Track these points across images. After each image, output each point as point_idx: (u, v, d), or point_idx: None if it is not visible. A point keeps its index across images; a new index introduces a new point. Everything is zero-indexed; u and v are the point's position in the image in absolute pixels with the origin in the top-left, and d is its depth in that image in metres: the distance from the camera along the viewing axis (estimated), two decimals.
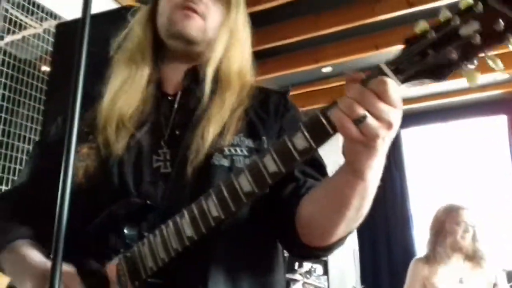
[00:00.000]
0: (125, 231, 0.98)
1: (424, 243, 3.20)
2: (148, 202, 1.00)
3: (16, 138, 2.59)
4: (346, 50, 4.12)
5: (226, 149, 1.03)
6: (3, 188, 2.46)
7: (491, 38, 0.69)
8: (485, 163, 5.42)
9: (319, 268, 4.88)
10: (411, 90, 4.96)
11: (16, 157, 2.55)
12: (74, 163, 0.96)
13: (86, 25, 0.91)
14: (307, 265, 4.52)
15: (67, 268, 0.91)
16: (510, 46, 0.69)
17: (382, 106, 0.71)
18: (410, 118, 5.45)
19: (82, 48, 0.90)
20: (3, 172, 2.47)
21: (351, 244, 5.57)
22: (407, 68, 0.74)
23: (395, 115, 0.72)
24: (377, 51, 4.05)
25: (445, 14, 0.73)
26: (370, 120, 0.71)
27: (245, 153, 1.04)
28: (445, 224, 3.01)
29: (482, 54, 0.70)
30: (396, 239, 5.53)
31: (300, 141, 0.80)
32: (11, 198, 1.19)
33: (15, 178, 2.51)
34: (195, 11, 1.09)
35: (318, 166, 1.06)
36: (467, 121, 5.59)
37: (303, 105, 4.87)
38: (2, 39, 2.69)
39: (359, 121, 0.72)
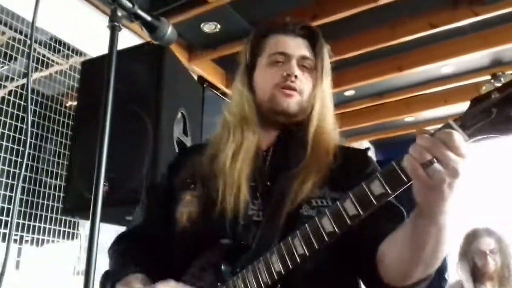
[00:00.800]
0: (222, 267, 1.10)
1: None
2: (242, 242, 1.13)
3: (44, 173, 2.63)
4: (368, 72, 4.10)
5: (313, 201, 1.15)
6: (31, 224, 2.48)
7: None
8: None
9: None
10: None
11: (44, 192, 2.59)
12: (180, 209, 1.23)
13: (112, 61, 0.95)
14: None
15: None
16: None
17: (448, 153, 0.80)
18: None
19: (110, 83, 0.93)
20: (31, 208, 2.49)
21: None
22: (473, 124, 0.83)
23: (460, 164, 0.80)
24: (400, 73, 4.01)
25: (508, 78, 0.84)
26: (437, 165, 0.80)
27: (330, 203, 1.14)
28: (470, 252, 2.93)
29: None
30: None
31: (377, 187, 0.90)
32: (130, 237, 1.36)
33: (43, 213, 2.54)
34: (294, 89, 1.25)
35: (396, 211, 1.14)
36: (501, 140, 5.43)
37: None
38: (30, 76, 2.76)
39: (426, 165, 0.81)
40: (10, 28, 2.68)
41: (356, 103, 4.77)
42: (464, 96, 4.41)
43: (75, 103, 2.84)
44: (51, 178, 2.64)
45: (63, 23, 2.78)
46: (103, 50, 1.00)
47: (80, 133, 2.46)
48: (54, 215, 2.59)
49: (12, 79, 2.68)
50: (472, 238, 2.99)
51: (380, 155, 5.72)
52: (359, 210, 0.92)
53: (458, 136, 0.81)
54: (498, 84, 0.84)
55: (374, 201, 0.90)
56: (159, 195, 1.35)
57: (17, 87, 2.64)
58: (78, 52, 2.99)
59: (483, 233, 2.97)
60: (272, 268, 1.02)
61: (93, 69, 2.47)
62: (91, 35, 2.92)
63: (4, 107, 2.45)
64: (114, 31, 0.99)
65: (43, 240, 2.54)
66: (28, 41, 2.63)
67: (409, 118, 5.23)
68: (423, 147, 0.82)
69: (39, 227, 2.52)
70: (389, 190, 0.89)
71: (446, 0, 3.18)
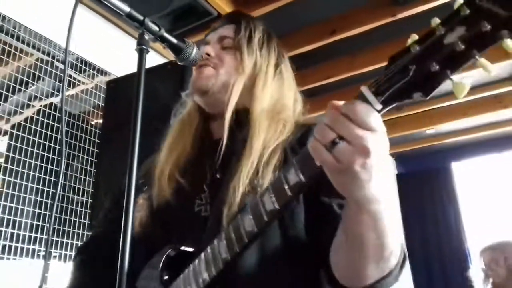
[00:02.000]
0: (164, 277, 1.03)
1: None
2: (182, 248, 1.05)
3: (71, 191, 2.70)
4: None
5: (259, 189, 1.02)
6: (59, 240, 2.54)
7: (478, 42, 0.63)
8: None
9: None
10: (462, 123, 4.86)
11: (72, 209, 2.65)
12: (134, 214, 1.08)
13: (141, 84, 0.98)
14: None
15: None
16: (504, 45, 0.62)
17: (354, 129, 0.67)
18: (462, 150, 5.30)
19: (138, 104, 0.96)
20: (59, 224, 2.56)
21: (407, 284, 5.34)
22: (388, 88, 0.69)
23: (370, 139, 0.68)
24: None
25: (434, 23, 0.68)
26: (342, 144, 0.68)
27: None
28: (489, 265, 2.92)
29: (470, 61, 0.64)
30: (453, 276, 5.26)
31: (292, 176, 0.77)
32: (87, 249, 1.32)
33: (71, 229, 2.61)
34: (206, 65, 1.21)
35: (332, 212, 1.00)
36: None
37: None
38: (56, 96, 2.85)
39: (331, 146, 0.69)
40: (38, 50, 2.78)
41: None
42: (485, 108, 4.37)
43: (100, 121, 2.92)
44: (78, 195, 2.70)
45: (89, 44, 2.87)
46: (127, 69, 1.04)
47: (105, 151, 2.52)
48: (81, 231, 2.65)
49: (40, 98, 2.77)
50: (481, 257, 3.05)
51: (401, 168, 5.66)
52: (275, 204, 0.81)
53: (362, 107, 0.68)
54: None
55: (289, 192, 0.79)
56: (119, 201, 1.29)
57: (44, 106, 2.73)
58: (102, 72, 3.08)
59: (499, 247, 2.98)
60: (201, 275, 0.95)
61: (118, 88, 2.54)
62: (115, 55, 3.00)
63: (33, 127, 2.54)
64: (142, 54, 1.03)
65: (70, 255, 2.60)
66: (56, 63, 2.72)
67: (430, 130, 5.19)
68: (325, 125, 0.70)
69: (67, 243, 2.58)
70: (303, 179, 0.77)
71: None
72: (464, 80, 0.67)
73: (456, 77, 0.67)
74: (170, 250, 1.05)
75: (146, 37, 1.04)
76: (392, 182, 0.78)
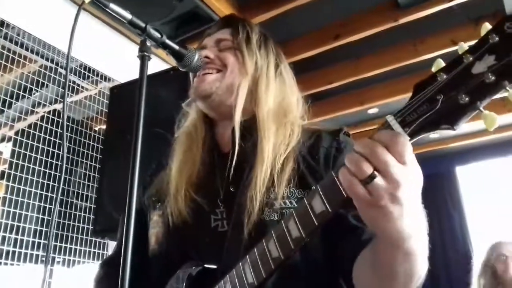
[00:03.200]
0: None
1: None
2: (205, 266, 1.02)
3: (75, 196, 2.70)
4: (391, 90, 4.09)
5: (276, 203, 1.02)
6: (63, 245, 2.55)
7: (509, 72, 0.59)
8: None
9: None
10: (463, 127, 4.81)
11: (75, 215, 2.65)
12: (150, 230, 1.14)
13: (143, 90, 0.99)
14: None
15: None
16: None
17: (393, 164, 0.65)
18: (466, 155, 5.27)
19: (140, 110, 0.96)
20: (63, 230, 2.56)
21: None
22: (415, 120, 0.66)
23: (407, 174, 0.66)
24: None
25: (461, 50, 0.64)
26: (379, 180, 0.65)
27: (295, 205, 1.02)
28: (491, 259, 2.91)
29: (500, 92, 0.61)
30: (458, 281, 5.21)
31: (318, 205, 0.74)
32: (110, 263, 1.30)
33: (74, 235, 2.61)
34: (209, 73, 1.18)
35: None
36: None
37: None
38: (59, 103, 2.86)
39: (366, 181, 0.65)
40: (42, 57, 2.79)
41: (380, 121, 4.74)
42: (489, 110, 4.34)
43: (103, 126, 2.93)
44: (82, 200, 2.71)
45: (92, 51, 2.88)
46: (130, 75, 1.03)
47: (109, 156, 2.53)
48: (84, 237, 2.65)
49: (44, 105, 2.79)
50: (494, 247, 2.99)
51: None
52: (301, 231, 0.78)
53: (402, 139, 0.65)
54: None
55: (315, 221, 0.75)
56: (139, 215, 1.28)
57: (48, 112, 2.74)
58: (105, 78, 3.09)
59: (507, 242, 2.95)
60: None
61: (121, 94, 2.54)
62: (118, 62, 3.01)
63: (37, 133, 2.55)
64: (144, 60, 1.03)
65: (74, 261, 2.60)
66: (59, 69, 2.74)
67: (434, 134, 5.16)
68: (361, 155, 0.66)
69: (70, 249, 2.58)
70: (329, 209, 0.74)
71: (467, 18, 3.18)
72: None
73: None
74: (194, 267, 1.02)
75: (148, 43, 1.05)
76: (421, 210, 0.76)
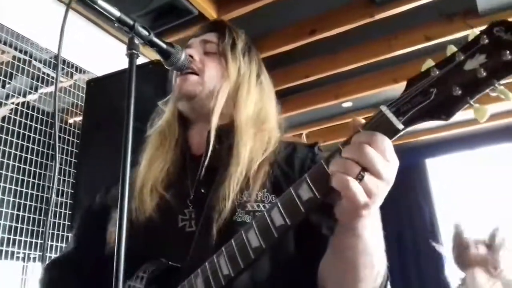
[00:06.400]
0: None
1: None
2: (170, 263, 1.01)
3: (49, 191, 2.65)
4: (365, 85, 4.15)
5: (249, 205, 1.03)
6: (38, 241, 2.50)
7: (499, 70, 0.66)
8: None
9: None
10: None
11: (51, 211, 2.60)
12: (109, 228, 1.10)
13: (132, 86, 0.98)
14: None
15: None
16: None
17: (382, 162, 0.71)
18: (436, 147, 5.40)
19: (130, 107, 0.95)
20: (38, 226, 2.52)
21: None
22: (409, 109, 0.72)
23: (392, 170, 0.73)
24: (396, 84, 4.07)
25: (451, 50, 0.72)
26: (369, 177, 0.71)
27: (268, 207, 1.02)
28: (459, 240, 2.97)
29: (490, 88, 0.67)
30: (429, 276, 5.35)
31: (304, 192, 0.78)
32: (60, 265, 1.25)
33: (48, 231, 2.56)
34: (191, 73, 1.18)
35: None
36: (496, 147, 5.48)
37: (325, 140, 4.95)
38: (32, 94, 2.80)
39: (359, 179, 0.71)
40: (15, 48, 2.72)
41: (353, 114, 4.80)
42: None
43: (78, 119, 2.88)
44: (57, 195, 2.66)
45: (67, 43, 2.82)
46: (106, 67, 1.01)
47: (85, 151, 2.49)
48: (60, 233, 2.61)
49: (13, 96, 2.72)
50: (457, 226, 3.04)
51: None
52: (287, 220, 0.80)
53: (385, 139, 0.73)
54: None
55: (302, 208, 0.78)
56: (90, 217, 1.28)
57: (20, 104, 2.68)
58: (80, 70, 3.03)
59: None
60: None
61: (98, 88, 2.51)
62: (93, 54, 2.96)
63: (11, 127, 2.49)
64: (132, 58, 1.02)
65: (50, 257, 2.56)
66: (33, 61, 2.67)
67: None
68: (347, 159, 0.72)
69: (46, 245, 2.54)
70: (317, 195, 0.77)
71: (441, 14, 3.25)
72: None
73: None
74: (156, 266, 1.01)
75: (136, 41, 1.04)
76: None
